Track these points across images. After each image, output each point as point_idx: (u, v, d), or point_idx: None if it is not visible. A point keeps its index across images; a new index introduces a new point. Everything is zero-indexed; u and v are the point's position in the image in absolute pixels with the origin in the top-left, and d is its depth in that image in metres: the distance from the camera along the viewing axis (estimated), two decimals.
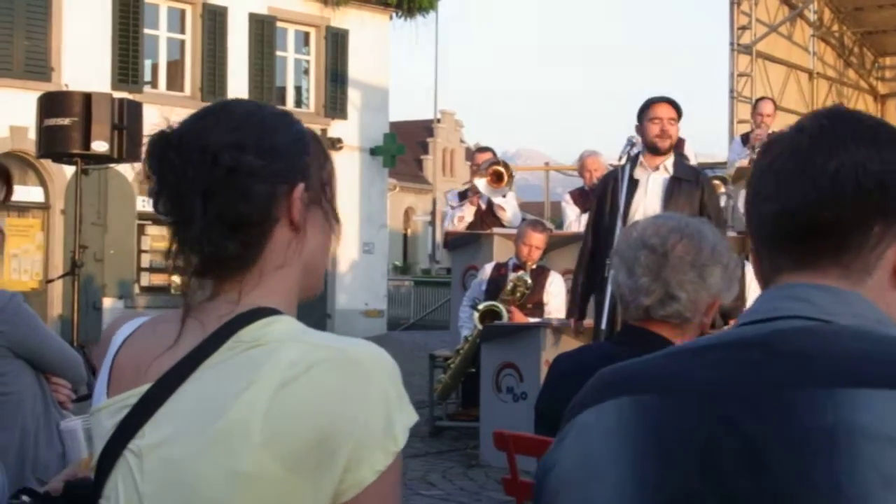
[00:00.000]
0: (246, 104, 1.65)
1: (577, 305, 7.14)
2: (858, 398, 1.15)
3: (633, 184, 6.53)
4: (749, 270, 8.40)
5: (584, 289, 7.04)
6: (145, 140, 1.58)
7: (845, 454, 1.13)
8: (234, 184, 1.54)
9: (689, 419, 1.22)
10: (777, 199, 1.33)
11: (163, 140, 1.56)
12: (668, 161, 6.59)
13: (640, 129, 6.62)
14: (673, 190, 6.48)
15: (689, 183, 6.53)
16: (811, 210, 1.30)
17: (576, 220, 9.99)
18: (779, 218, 1.33)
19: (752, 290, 8.36)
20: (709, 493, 1.19)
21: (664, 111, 6.54)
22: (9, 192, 2.24)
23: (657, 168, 6.56)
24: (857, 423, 1.14)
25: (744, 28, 18.28)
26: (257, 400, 1.44)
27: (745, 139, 11.67)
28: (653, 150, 6.54)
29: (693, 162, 10.61)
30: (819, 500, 1.13)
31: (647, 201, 6.52)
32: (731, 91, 18.07)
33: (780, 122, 11.99)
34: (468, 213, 10.56)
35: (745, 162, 10.85)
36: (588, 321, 7.16)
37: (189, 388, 1.50)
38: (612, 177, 6.87)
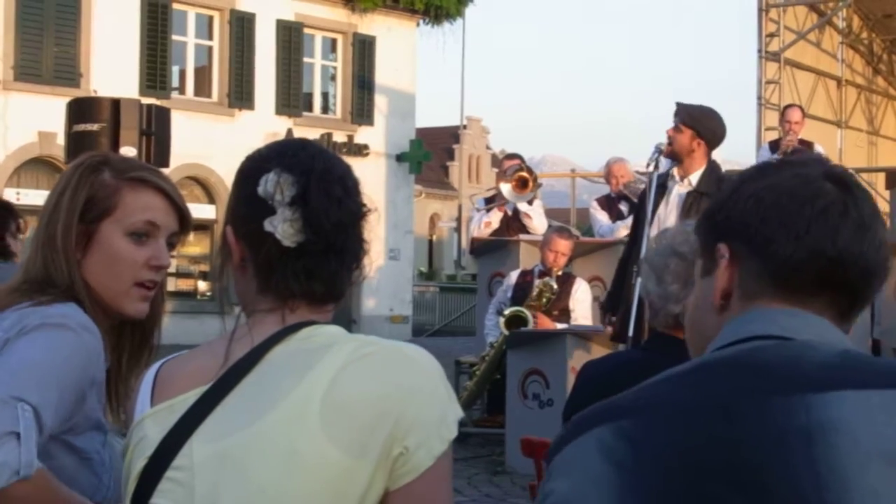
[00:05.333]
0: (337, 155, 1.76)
1: (612, 303, 7.03)
2: (827, 400, 1.27)
3: (663, 193, 6.50)
4: None
5: (619, 288, 6.95)
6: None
7: (821, 446, 1.24)
8: (347, 226, 1.65)
9: (668, 433, 1.30)
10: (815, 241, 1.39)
11: (315, 168, 1.64)
12: (696, 174, 6.47)
13: None
14: (692, 204, 6.41)
15: (711, 197, 6.44)
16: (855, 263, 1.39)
17: (607, 225, 9.98)
18: (812, 259, 1.39)
19: None
20: (686, 496, 1.26)
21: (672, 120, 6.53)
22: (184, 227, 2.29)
23: (682, 179, 6.50)
24: (829, 420, 1.26)
25: (772, 35, 18.20)
26: (317, 385, 1.50)
27: (774, 146, 11.58)
28: (665, 155, 6.53)
29: (721, 168, 10.55)
30: (801, 490, 1.23)
31: (667, 212, 6.49)
32: (759, 98, 17.99)
33: (808, 130, 11.93)
34: (495, 219, 10.55)
35: None
36: (609, 329, 7.14)
37: (248, 382, 1.55)
38: (650, 182, 6.81)
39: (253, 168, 1.66)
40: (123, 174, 2.13)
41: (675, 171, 6.51)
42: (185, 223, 2.22)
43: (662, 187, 6.52)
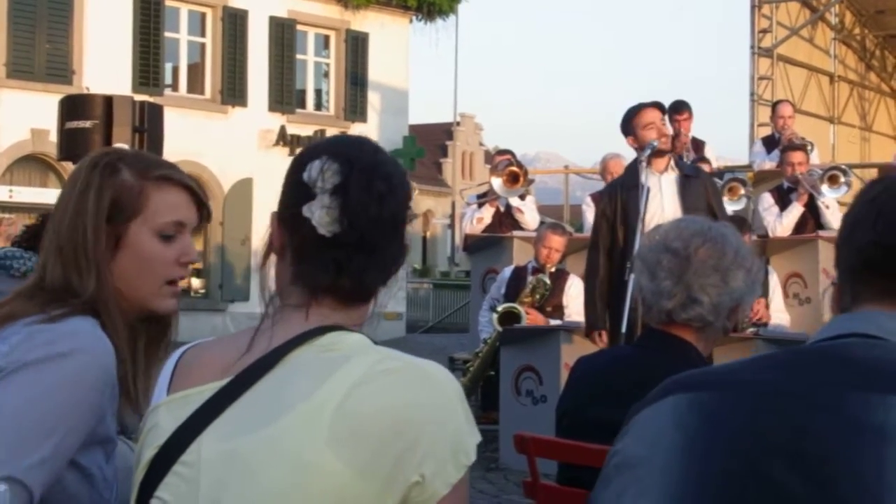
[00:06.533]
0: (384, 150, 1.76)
1: (599, 317, 6.92)
2: None
3: (647, 191, 6.48)
4: (773, 275, 8.35)
5: (603, 300, 6.86)
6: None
7: (893, 448, 1.23)
8: (390, 229, 1.64)
9: (742, 411, 1.30)
10: (874, 231, 1.40)
11: (369, 165, 1.65)
12: (672, 162, 6.62)
13: (634, 138, 6.58)
14: (685, 187, 6.50)
15: (697, 179, 6.57)
16: None
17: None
18: (871, 248, 1.40)
19: (777, 294, 8.32)
20: (750, 476, 1.26)
21: (653, 115, 6.56)
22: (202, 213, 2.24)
23: (665, 170, 6.56)
24: None
25: (764, 31, 18.22)
26: (330, 398, 1.46)
27: (768, 142, 11.62)
28: (657, 153, 6.52)
29: (714, 164, 10.58)
30: (864, 487, 1.22)
31: (665, 202, 6.50)
32: (752, 94, 18.00)
33: (801, 126, 11.93)
34: (487, 214, 10.59)
35: (772, 165, 10.78)
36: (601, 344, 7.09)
37: (263, 385, 1.52)
38: (621, 188, 6.74)
39: (304, 155, 1.66)
40: (146, 174, 2.10)
41: (650, 166, 6.51)
42: (203, 213, 2.21)
43: (638, 188, 6.50)
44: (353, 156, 1.62)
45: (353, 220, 1.58)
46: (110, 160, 2.10)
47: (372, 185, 1.60)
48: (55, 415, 1.84)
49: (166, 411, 1.57)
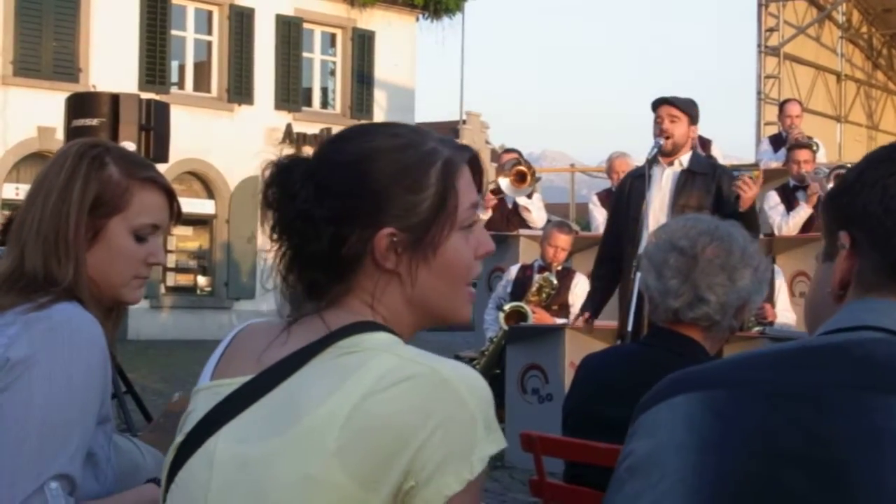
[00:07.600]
0: (366, 134, 1.59)
1: (592, 302, 7.07)
2: None
3: (649, 182, 6.54)
4: (779, 274, 8.33)
5: (601, 289, 7.00)
6: (265, 160, 1.58)
7: None
8: (305, 226, 1.52)
9: (756, 414, 1.24)
10: None
11: (276, 170, 1.57)
12: (685, 157, 6.60)
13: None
14: (685, 182, 6.48)
15: (705, 176, 6.52)
16: None
17: (603, 223, 9.99)
18: None
19: (782, 292, 8.30)
20: (765, 482, 1.20)
21: (662, 110, 6.59)
22: (174, 212, 2.29)
23: (671, 164, 6.59)
24: None
25: (771, 30, 18.21)
26: (339, 408, 1.41)
27: (775, 140, 11.59)
28: (661, 150, 6.58)
29: (720, 163, 10.56)
30: (886, 493, 1.16)
31: (660, 195, 6.54)
32: (759, 93, 18.00)
33: (808, 125, 11.92)
34: (484, 216, 10.68)
35: (779, 164, 10.76)
36: (605, 322, 7.13)
37: (281, 389, 1.49)
38: (631, 177, 6.88)
39: None
40: (132, 173, 2.14)
41: (660, 159, 6.57)
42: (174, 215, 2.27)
43: (643, 178, 6.57)
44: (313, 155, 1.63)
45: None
46: (98, 153, 2.15)
47: (290, 186, 1.57)
48: (77, 402, 1.92)
49: (203, 398, 1.56)
